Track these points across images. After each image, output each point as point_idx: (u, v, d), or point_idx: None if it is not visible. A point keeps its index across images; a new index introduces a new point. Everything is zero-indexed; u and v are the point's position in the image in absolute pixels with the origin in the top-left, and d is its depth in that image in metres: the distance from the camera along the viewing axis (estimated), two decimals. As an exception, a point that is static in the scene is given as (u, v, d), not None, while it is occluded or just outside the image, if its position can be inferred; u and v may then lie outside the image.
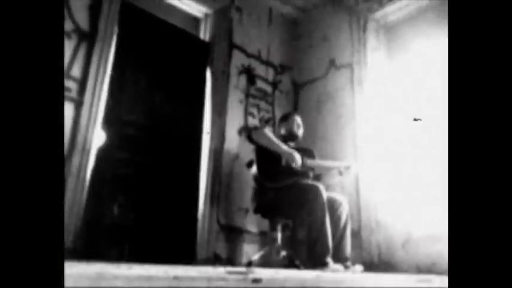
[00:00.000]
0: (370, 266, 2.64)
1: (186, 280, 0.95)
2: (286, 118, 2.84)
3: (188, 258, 2.73)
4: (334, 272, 2.10)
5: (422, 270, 2.48)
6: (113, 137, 2.67)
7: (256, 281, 1.00)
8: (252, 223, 3.05)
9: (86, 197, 2.36)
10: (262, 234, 3.06)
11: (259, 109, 3.45)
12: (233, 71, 3.32)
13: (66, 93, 2.36)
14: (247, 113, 3.34)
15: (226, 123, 3.15)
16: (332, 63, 3.53)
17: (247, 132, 2.72)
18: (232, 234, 2.95)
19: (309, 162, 2.64)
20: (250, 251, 2.91)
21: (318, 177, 2.71)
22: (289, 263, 2.46)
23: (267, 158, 2.52)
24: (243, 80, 3.38)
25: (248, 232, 3.02)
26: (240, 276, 1.12)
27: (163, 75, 3.09)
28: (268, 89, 3.59)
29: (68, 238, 2.18)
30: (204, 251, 2.78)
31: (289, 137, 2.75)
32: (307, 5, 3.86)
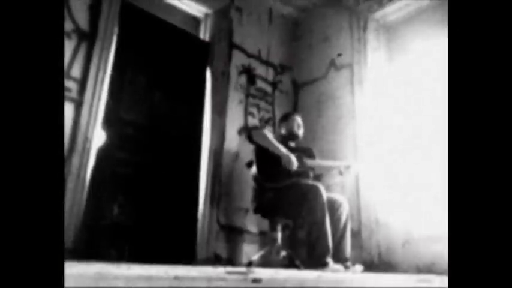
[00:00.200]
0: (370, 266, 2.64)
1: (187, 280, 0.95)
2: (286, 118, 2.84)
3: (188, 258, 2.73)
4: (334, 272, 2.10)
5: (422, 270, 2.48)
6: (113, 136, 2.67)
7: (256, 281, 1.00)
8: (252, 223, 3.05)
9: (85, 197, 2.36)
10: (262, 234, 3.06)
11: (259, 109, 3.45)
12: (233, 71, 3.32)
13: (66, 93, 2.36)
14: (247, 113, 3.34)
15: (226, 123, 3.15)
16: (332, 63, 3.53)
17: (247, 132, 2.72)
18: (232, 234, 2.95)
19: (309, 162, 2.64)
20: (250, 251, 2.91)
21: (318, 177, 2.71)
22: (289, 263, 2.46)
23: (266, 158, 2.53)
24: (243, 80, 3.38)
25: (248, 232, 3.02)
26: (240, 276, 1.12)
27: (163, 75, 3.09)
28: (268, 89, 3.59)
29: (68, 238, 2.18)
30: (204, 251, 2.78)
31: (290, 136, 2.75)
32: (307, 5, 3.86)
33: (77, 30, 2.50)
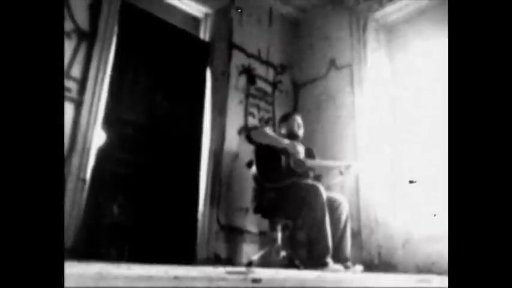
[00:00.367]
0: (370, 266, 2.64)
1: (187, 280, 0.95)
2: (286, 118, 2.84)
3: (188, 258, 2.73)
4: (334, 272, 2.10)
5: (422, 270, 2.48)
6: (113, 136, 2.67)
7: (256, 281, 1.00)
8: (252, 223, 3.05)
9: (86, 197, 2.36)
10: (262, 234, 3.06)
11: (259, 109, 3.45)
12: (233, 71, 3.32)
13: (66, 93, 2.36)
14: (247, 113, 3.34)
15: (226, 123, 3.15)
16: (332, 63, 3.53)
17: (246, 132, 2.73)
18: (232, 234, 2.95)
19: (309, 162, 2.64)
20: (250, 251, 2.91)
21: (318, 177, 2.71)
22: (289, 263, 2.46)
23: (266, 158, 2.53)
24: (243, 80, 3.38)
25: (248, 232, 3.02)
26: (240, 276, 1.12)
27: (163, 75, 3.09)
28: (268, 89, 3.58)
29: (68, 238, 2.18)
30: (204, 251, 2.78)
31: (290, 136, 2.75)
32: (307, 5, 3.86)
33: (77, 30, 2.50)
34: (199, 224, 2.88)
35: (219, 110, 3.17)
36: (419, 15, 3.22)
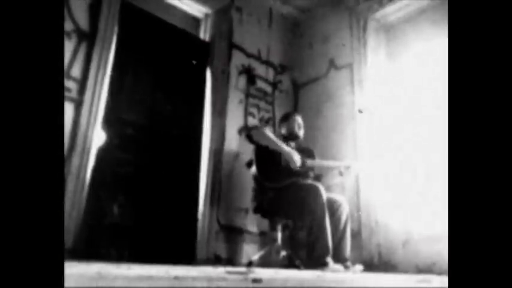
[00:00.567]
0: (370, 266, 2.64)
1: (187, 280, 0.95)
2: (287, 118, 2.84)
3: (188, 258, 2.73)
4: (334, 272, 2.10)
5: (422, 270, 2.48)
6: (113, 137, 2.67)
7: (256, 281, 1.00)
8: (252, 223, 3.05)
9: (86, 197, 2.36)
10: (262, 234, 3.06)
11: (259, 109, 3.45)
12: (233, 71, 3.32)
13: (66, 93, 2.36)
14: (247, 113, 3.34)
15: (226, 123, 3.15)
16: (332, 63, 3.53)
17: (247, 131, 2.73)
18: (232, 234, 2.95)
19: (309, 162, 2.64)
20: (250, 251, 2.91)
21: (318, 177, 2.71)
22: (289, 263, 2.46)
23: (266, 158, 2.53)
24: (243, 80, 3.38)
25: (248, 232, 3.02)
26: (240, 276, 1.12)
27: (163, 75, 3.09)
28: (268, 89, 3.59)
29: (68, 238, 2.18)
30: (204, 251, 2.78)
31: (290, 137, 2.75)
32: (307, 5, 3.86)
33: (77, 30, 2.50)
34: (199, 224, 2.88)
35: (219, 110, 3.17)
36: (419, 15, 3.22)
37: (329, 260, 2.19)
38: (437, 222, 2.51)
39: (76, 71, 2.45)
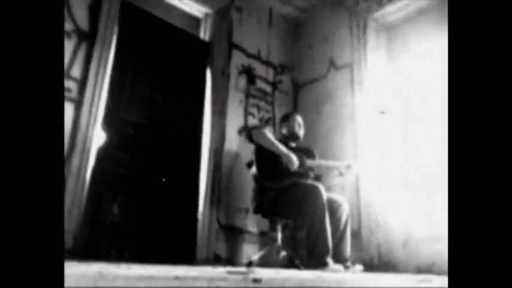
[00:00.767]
0: (370, 266, 2.64)
1: (187, 280, 0.95)
2: (287, 118, 2.84)
3: (188, 258, 2.73)
4: (334, 272, 2.10)
5: (422, 270, 2.48)
6: (113, 137, 2.67)
7: (256, 281, 1.00)
8: (252, 223, 3.05)
9: (86, 197, 2.36)
10: (262, 234, 3.06)
11: (259, 109, 3.45)
12: (233, 71, 3.32)
13: (66, 93, 2.36)
14: (247, 113, 3.34)
15: (226, 123, 3.15)
16: (332, 63, 3.53)
17: (247, 131, 2.72)
18: (232, 234, 2.95)
19: (309, 162, 2.64)
20: (250, 251, 2.91)
21: (318, 178, 2.71)
22: (289, 263, 2.46)
23: (266, 158, 2.53)
24: (243, 80, 3.38)
25: (248, 232, 3.02)
26: (240, 276, 1.12)
27: (163, 75, 3.09)
28: (268, 89, 3.59)
29: (68, 238, 2.18)
30: (204, 251, 2.78)
31: (291, 137, 2.75)
32: (307, 5, 3.86)
33: (77, 30, 2.50)
34: (199, 224, 2.88)
35: (219, 110, 3.17)
36: (419, 15, 3.22)
37: (329, 260, 2.19)
38: (437, 222, 2.51)
39: (76, 71, 2.45)
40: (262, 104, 3.48)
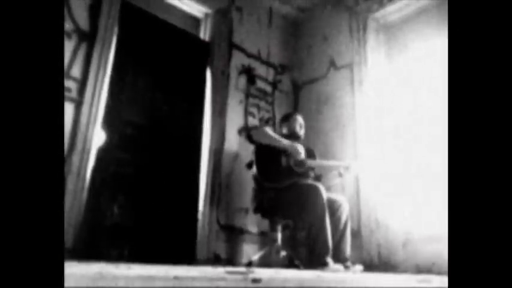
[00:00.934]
0: (370, 266, 2.65)
1: (187, 280, 0.95)
2: (287, 118, 2.84)
3: (188, 258, 2.73)
4: (334, 272, 2.10)
5: (422, 270, 2.48)
6: (113, 137, 2.67)
7: (256, 281, 1.00)
8: (252, 223, 3.05)
9: (86, 197, 2.36)
10: (262, 234, 3.06)
11: (259, 109, 3.45)
12: (233, 71, 3.32)
13: (66, 93, 2.36)
14: (247, 113, 3.34)
15: (226, 123, 3.15)
16: (332, 63, 3.53)
17: (247, 131, 2.73)
18: (232, 234, 2.95)
19: (310, 162, 2.64)
20: (250, 251, 2.91)
21: (318, 178, 2.72)
22: (289, 263, 2.46)
23: (266, 158, 2.53)
24: (243, 80, 3.38)
25: (248, 232, 3.02)
26: (240, 276, 1.12)
27: (163, 75, 3.09)
28: (268, 89, 3.59)
29: (68, 238, 2.18)
30: (204, 251, 2.78)
31: (291, 136, 2.75)
32: (307, 5, 3.86)
33: (77, 30, 2.50)
34: (199, 224, 2.88)
35: (219, 110, 3.17)
36: (419, 15, 3.22)
37: (329, 260, 2.19)
38: (437, 222, 2.51)
39: (76, 71, 2.45)
40: (262, 104, 3.48)
